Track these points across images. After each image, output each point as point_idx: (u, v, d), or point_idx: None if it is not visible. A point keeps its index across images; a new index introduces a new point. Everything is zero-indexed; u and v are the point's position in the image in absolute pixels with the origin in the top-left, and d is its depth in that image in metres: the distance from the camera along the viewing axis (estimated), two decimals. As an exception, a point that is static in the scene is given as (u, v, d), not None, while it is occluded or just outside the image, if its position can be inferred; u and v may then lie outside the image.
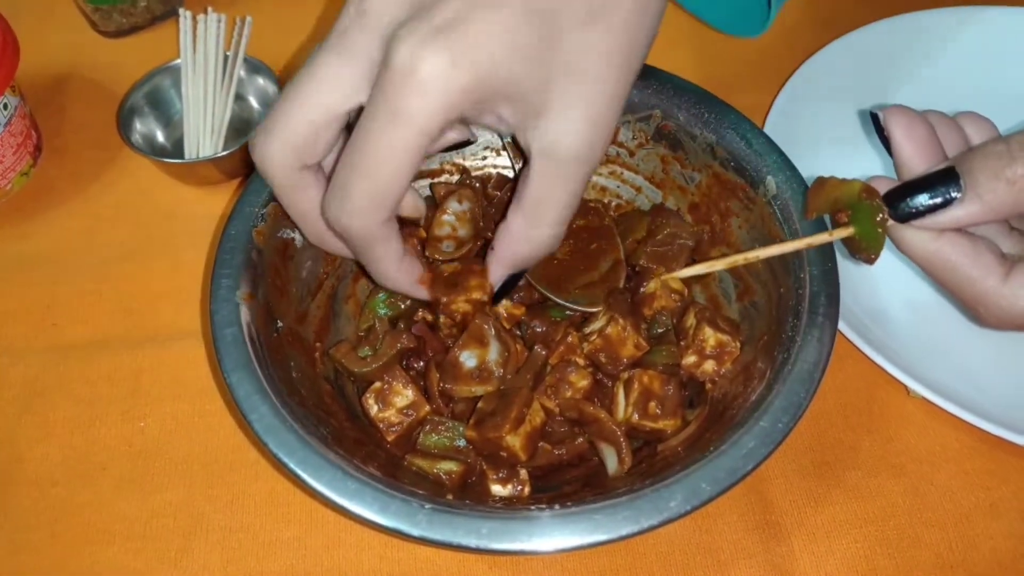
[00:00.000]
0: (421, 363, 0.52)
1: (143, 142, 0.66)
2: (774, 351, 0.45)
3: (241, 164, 0.65)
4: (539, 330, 0.51)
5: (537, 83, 0.37)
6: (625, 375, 0.48)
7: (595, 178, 0.58)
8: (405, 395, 0.48)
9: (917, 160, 0.41)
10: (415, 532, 0.38)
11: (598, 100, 0.39)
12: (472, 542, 0.38)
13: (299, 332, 0.50)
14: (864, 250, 0.42)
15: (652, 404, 0.46)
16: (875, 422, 0.54)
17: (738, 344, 0.49)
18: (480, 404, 0.47)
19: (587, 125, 0.39)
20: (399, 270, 0.45)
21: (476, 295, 0.48)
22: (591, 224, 0.54)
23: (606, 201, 0.59)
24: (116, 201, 0.66)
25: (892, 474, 0.52)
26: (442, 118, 0.37)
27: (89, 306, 0.60)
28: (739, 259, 0.47)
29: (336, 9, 0.77)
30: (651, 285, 0.51)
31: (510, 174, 0.58)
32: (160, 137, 0.69)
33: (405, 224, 0.50)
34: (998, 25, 0.72)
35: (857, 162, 0.64)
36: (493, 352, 0.48)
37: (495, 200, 0.56)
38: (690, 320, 0.50)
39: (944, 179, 0.39)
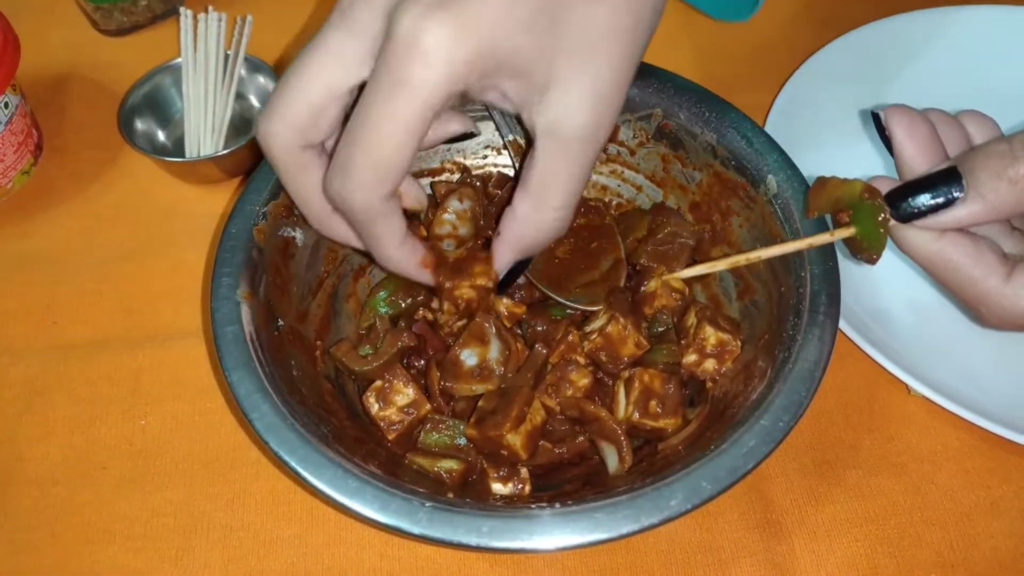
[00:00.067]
0: (422, 362, 0.52)
1: (144, 141, 0.66)
2: (775, 350, 0.45)
3: (242, 163, 0.65)
4: (540, 329, 0.51)
5: (541, 58, 0.37)
6: (626, 374, 0.48)
7: (596, 177, 0.58)
8: (406, 394, 0.48)
9: (919, 160, 0.41)
10: (416, 530, 0.38)
11: (603, 77, 0.38)
12: (473, 540, 0.38)
13: (300, 331, 0.50)
14: (866, 250, 0.42)
15: (653, 403, 0.46)
16: (876, 421, 0.54)
17: (739, 343, 0.49)
18: (481, 403, 0.47)
19: (592, 103, 0.38)
20: (402, 250, 0.44)
21: (481, 281, 0.47)
22: (592, 223, 0.54)
23: (607, 200, 0.59)
24: (117, 200, 0.67)
25: (893, 473, 0.52)
26: (445, 90, 0.36)
27: (89, 305, 0.60)
28: (740, 259, 0.47)
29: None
30: (652, 284, 0.51)
31: (511, 173, 0.58)
32: (161, 136, 0.69)
33: (407, 218, 0.50)
34: (999, 24, 0.72)
35: (858, 161, 0.64)
36: (494, 351, 0.48)
37: (496, 199, 0.56)
38: (691, 319, 0.50)
39: (946, 179, 0.39)
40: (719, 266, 0.49)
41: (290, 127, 0.40)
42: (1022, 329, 0.41)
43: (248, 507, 0.51)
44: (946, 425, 0.53)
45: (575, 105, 0.38)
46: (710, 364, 0.49)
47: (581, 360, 0.49)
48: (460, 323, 0.51)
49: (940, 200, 0.39)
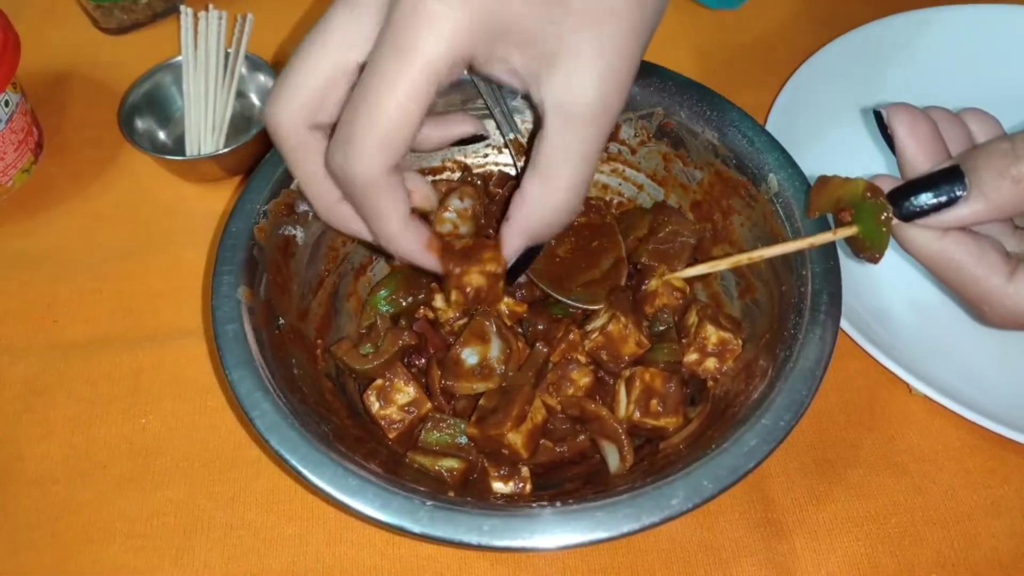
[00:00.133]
0: (423, 360, 0.52)
1: (144, 139, 0.66)
2: (776, 349, 0.45)
3: (242, 161, 0.65)
4: (541, 327, 0.51)
5: (549, 26, 0.37)
6: (627, 373, 0.48)
7: (597, 176, 0.58)
8: (407, 392, 0.48)
9: (921, 158, 0.41)
10: (417, 529, 0.38)
11: (612, 51, 0.38)
12: (473, 539, 0.37)
13: (300, 329, 0.50)
14: (868, 249, 0.42)
15: (654, 402, 0.46)
16: (877, 420, 0.54)
17: (740, 342, 0.49)
18: (482, 401, 0.47)
19: (601, 77, 0.38)
20: (406, 230, 0.42)
21: (490, 267, 0.45)
22: (593, 222, 0.54)
23: (608, 199, 0.59)
24: (117, 198, 0.66)
25: (894, 472, 0.52)
26: (451, 56, 0.36)
27: (90, 304, 0.60)
28: (742, 259, 0.47)
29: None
30: (653, 283, 0.51)
31: (512, 172, 0.58)
32: (161, 134, 0.69)
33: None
34: (999, 24, 0.72)
35: (859, 160, 0.64)
36: (495, 349, 0.48)
37: (496, 198, 0.56)
38: (692, 318, 0.50)
39: (949, 177, 0.39)
40: (720, 265, 0.48)
41: (297, 106, 0.40)
42: None
43: (249, 506, 0.51)
44: (947, 424, 0.53)
45: (583, 79, 0.38)
46: (711, 363, 0.49)
47: (582, 359, 0.49)
48: (461, 322, 0.51)
49: (943, 199, 0.39)
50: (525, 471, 0.46)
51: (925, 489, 0.51)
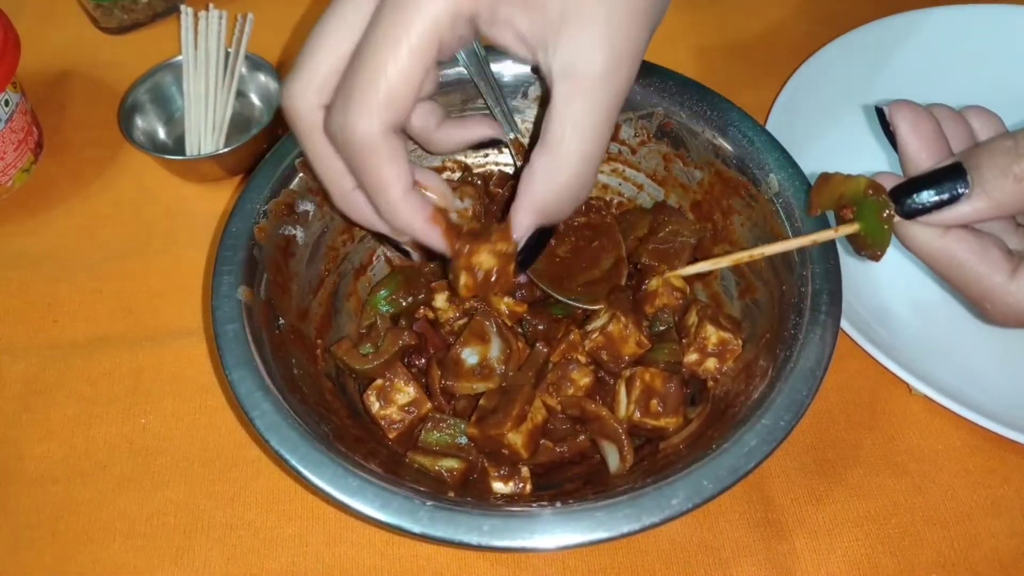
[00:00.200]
0: (423, 360, 0.52)
1: (144, 139, 0.66)
2: (776, 349, 0.45)
3: (242, 161, 0.65)
4: (541, 327, 0.51)
5: None
6: (627, 373, 0.48)
7: (597, 176, 0.58)
8: (407, 392, 0.48)
9: (923, 155, 0.41)
10: (416, 529, 0.38)
11: (622, 16, 0.37)
12: (473, 539, 0.37)
13: (301, 329, 0.50)
14: (870, 247, 0.42)
15: (654, 402, 0.46)
16: (877, 420, 0.54)
17: (740, 342, 0.49)
18: (482, 401, 0.47)
19: (610, 42, 0.37)
20: (408, 199, 0.40)
21: (501, 246, 0.43)
22: (593, 222, 0.54)
23: (608, 199, 0.59)
24: (117, 198, 0.66)
25: (894, 472, 0.52)
26: (452, 11, 0.36)
27: (90, 304, 0.60)
28: (743, 256, 0.47)
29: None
30: (653, 283, 0.51)
31: (512, 172, 0.58)
32: (161, 134, 0.69)
33: None
34: (999, 23, 0.72)
35: (859, 160, 0.64)
36: (495, 349, 0.48)
37: (496, 197, 0.56)
38: (692, 318, 0.50)
39: (951, 175, 0.39)
40: (721, 263, 0.48)
41: (312, 90, 0.40)
42: None
43: (248, 505, 0.51)
44: (947, 425, 0.53)
45: (591, 43, 0.37)
46: (711, 363, 0.49)
47: (582, 359, 0.49)
48: (461, 322, 0.51)
49: (945, 196, 0.39)
50: (525, 471, 0.46)
51: (925, 489, 0.51)
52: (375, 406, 0.48)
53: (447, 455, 0.46)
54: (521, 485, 0.46)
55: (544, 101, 0.47)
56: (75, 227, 0.65)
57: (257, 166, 0.50)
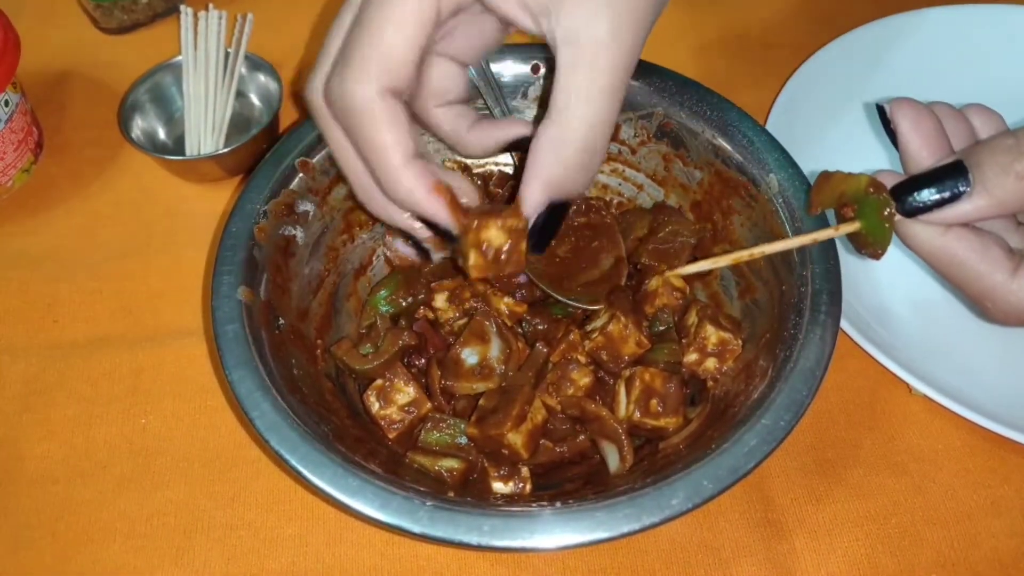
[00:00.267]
0: (422, 360, 0.52)
1: (144, 139, 0.66)
2: (776, 349, 0.45)
3: (242, 161, 0.65)
4: (541, 327, 0.51)
5: None
6: (627, 373, 0.48)
7: (597, 176, 0.58)
8: (406, 392, 0.48)
9: (924, 153, 0.41)
10: (416, 529, 0.38)
11: None
12: (473, 539, 0.37)
13: (300, 329, 0.50)
14: (871, 245, 0.42)
15: (654, 402, 0.46)
16: (877, 420, 0.54)
17: (740, 342, 0.49)
18: (481, 401, 0.47)
19: (611, 8, 0.37)
20: (408, 167, 0.39)
21: (511, 222, 0.41)
22: (592, 222, 0.54)
23: (608, 199, 0.59)
24: (117, 198, 0.66)
25: (894, 472, 0.52)
26: None
27: (90, 304, 0.60)
28: (743, 255, 0.47)
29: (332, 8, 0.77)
30: (653, 283, 0.51)
31: (512, 172, 0.58)
32: (161, 134, 0.69)
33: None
34: (999, 23, 0.72)
35: (859, 160, 0.64)
36: (495, 349, 0.48)
37: (496, 198, 0.56)
38: (692, 318, 0.50)
39: (952, 173, 0.39)
40: (721, 262, 0.48)
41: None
42: None
43: (249, 506, 0.51)
44: (947, 424, 0.53)
45: (593, 9, 0.37)
46: (711, 363, 0.49)
47: (582, 359, 0.49)
48: (461, 322, 0.51)
49: (946, 194, 0.39)
50: (525, 471, 0.46)
51: (925, 489, 0.51)
52: (375, 406, 0.48)
53: (447, 455, 0.46)
54: (521, 485, 0.46)
55: (544, 101, 0.47)
56: (75, 227, 0.65)
57: (257, 166, 0.50)
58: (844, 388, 0.55)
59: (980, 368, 0.55)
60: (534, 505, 0.39)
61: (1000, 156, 0.38)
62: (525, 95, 0.55)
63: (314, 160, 0.51)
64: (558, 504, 0.39)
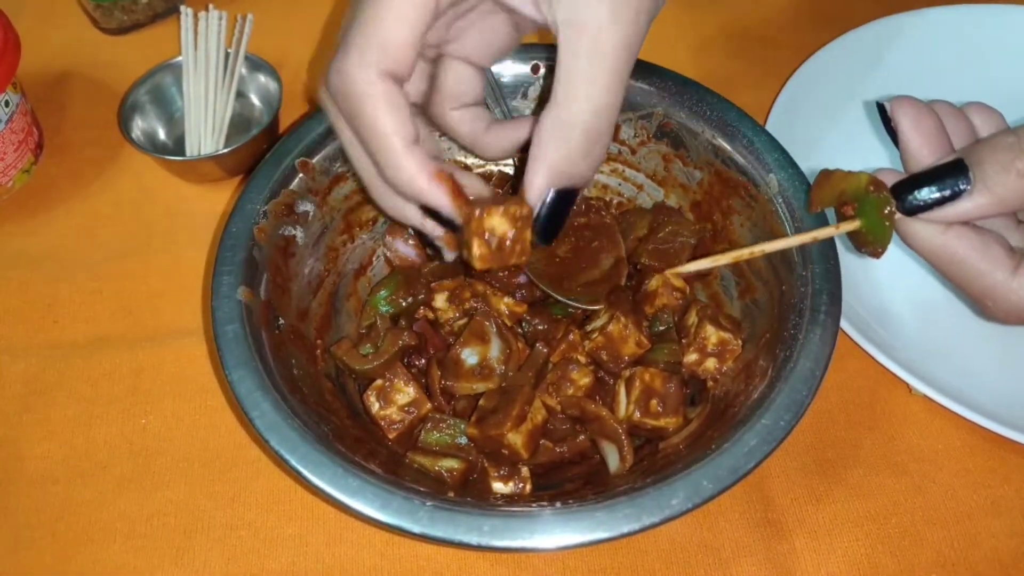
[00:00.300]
0: (422, 360, 0.52)
1: (144, 139, 0.66)
2: (776, 349, 0.45)
3: (242, 161, 0.65)
4: (541, 328, 0.51)
5: None
6: (627, 373, 0.48)
7: (597, 176, 0.58)
8: (406, 392, 0.48)
9: (925, 152, 0.41)
10: (416, 529, 0.38)
11: None
12: (473, 539, 0.38)
13: (300, 329, 0.50)
14: (871, 243, 0.42)
15: (654, 402, 0.46)
16: (877, 420, 0.54)
17: (740, 342, 0.49)
18: (481, 402, 0.47)
19: None
20: (408, 153, 0.38)
21: (515, 209, 0.40)
22: (592, 222, 0.54)
23: (608, 199, 0.59)
24: (117, 199, 0.66)
25: (894, 472, 0.52)
26: None
27: (90, 304, 0.60)
28: (744, 253, 0.47)
29: (337, 8, 0.77)
30: (653, 283, 0.51)
31: (512, 172, 0.58)
32: (161, 134, 0.69)
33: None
34: (1000, 22, 0.72)
35: (860, 160, 0.63)
36: (495, 349, 0.48)
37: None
38: (692, 318, 0.50)
39: (953, 171, 0.39)
40: (722, 260, 0.48)
41: None
42: None
43: (248, 506, 0.51)
44: (947, 424, 0.53)
45: None
46: (711, 363, 0.49)
47: (582, 359, 0.49)
48: (461, 322, 0.51)
49: (947, 193, 0.39)
50: (525, 471, 0.46)
51: (925, 489, 0.51)
52: (375, 406, 0.48)
53: (447, 455, 0.46)
54: (521, 485, 0.46)
55: (543, 100, 0.47)
56: (75, 227, 0.65)
57: (257, 166, 0.50)
58: (844, 388, 0.55)
59: (980, 368, 0.55)
60: (534, 505, 0.39)
61: (1001, 154, 0.38)
62: (525, 95, 0.55)
63: (314, 160, 0.51)
64: (558, 504, 0.39)
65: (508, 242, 0.41)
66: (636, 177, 0.57)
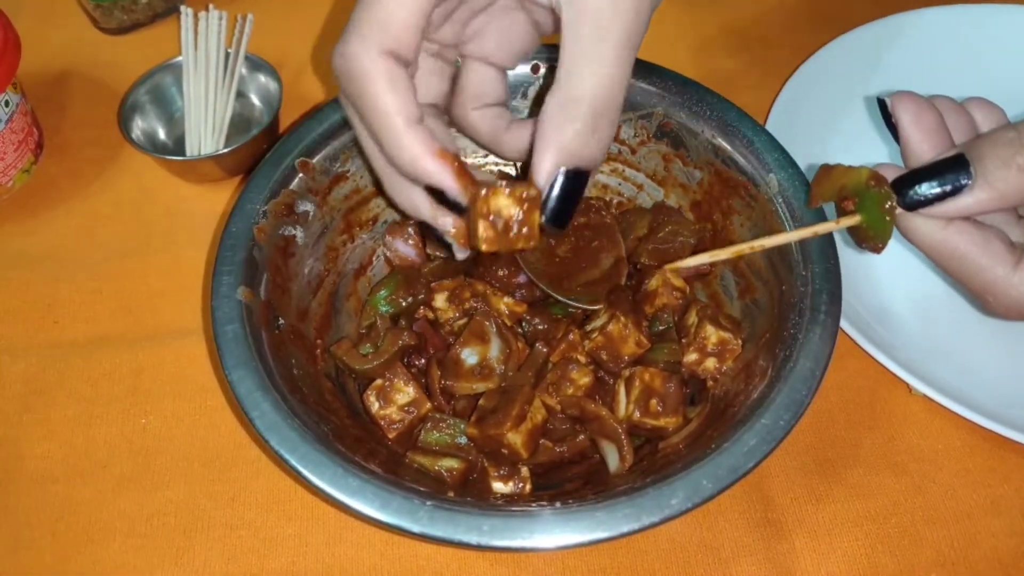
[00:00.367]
0: (422, 360, 0.52)
1: (144, 139, 0.66)
2: (776, 349, 0.45)
3: (242, 161, 0.65)
4: (540, 327, 0.51)
5: None
6: (626, 373, 0.48)
7: (596, 176, 0.58)
8: (406, 392, 0.48)
9: (925, 147, 0.41)
10: (416, 529, 0.38)
11: None
12: (473, 539, 0.38)
13: (300, 329, 0.50)
14: (871, 239, 0.41)
15: (653, 402, 0.46)
16: (877, 420, 0.54)
17: (740, 342, 0.49)
18: (481, 401, 0.47)
19: None
20: (411, 132, 0.38)
21: (521, 191, 0.38)
22: (592, 222, 0.54)
23: (607, 199, 0.59)
24: (117, 198, 0.66)
25: (893, 472, 0.52)
26: None
27: (90, 304, 0.60)
28: (744, 248, 0.46)
29: (337, 7, 0.77)
30: (653, 282, 0.51)
31: (512, 172, 0.58)
32: (161, 134, 0.69)
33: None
34: (999, 22, 0.72)
35: (859, 160, 0.63)
36: (494, 349, 0.48)
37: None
38: (692, 318, 0.50)
39: (954, 166, 0.39)
40: (722, 255, 0.48)
41: None
42: None
43: (248, 505, 0.51)
44: (947, 424, 0.53)
45: None
46: (711, 363, 0.49)
47: (582, 359, 0.49)
48: (461, 322, 0.51)
49: (948, 188, 0.39)
50: (525, 471, 0.46)
51: (925, 489, 0.51)
52: (375, 406, 0.48)
53: (447, 455, 0.46)
54: (521, 485, 0.46)
55: (540, 99, 0.47)
56: (75, 227, 0.65)
57: (257, 166, 0.50)
58: (844, 388, 0.55)
59: (980, 368, 0.55)
60: (534, 505, 0.39)
61: (1002, 149, 0.38)
62: (525, 95, 0.55)
63: (314, 160, 0.51)
64: (558, 504, 0.39)
65: (515, 224, 0.39)
66: (636, 177, 0.57)
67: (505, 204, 0.38)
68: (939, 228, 0.40)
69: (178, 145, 0.68)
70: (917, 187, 0.39)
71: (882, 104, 0.42)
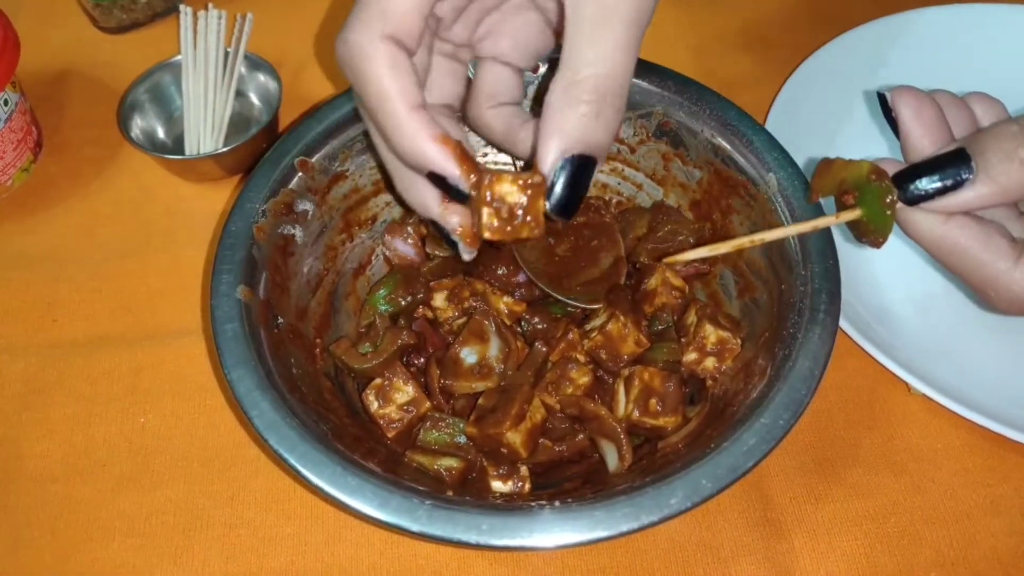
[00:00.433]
0: (422, 359, 0.52)
1: (144, 138, 0.66)
2: (775, 348, 0.45)
3: (242, 160, 0.65)
4: (540, 327, 0.51)
5: None
6: (626, 372, 0.48)
7: (596, 175, 0.58)
8: (405, 391, 0.48)
9: (926, 142, 0.40)
10: (415, 528, 0.38)
11: None
12: (472, 538, 0.38)
13: (299, 328, 0.50)
14: (871, 233, 0.41)
15: (653, 401, 0.46)
16: (876, 419, 0.54)
17: (739, 341, 0.49)
18: (481, 400, 0.47)
19: None
20: (412, 116, 0.37)
21: (526, 177, 0.37)
22: (592, 221, 0.54)
23: (607, 198, 0.59)
24: (116, 197, 0.66)
25: (893, 471, 0.52)
26: None
27: (89, 303, 0.60)
28: (744, 241, 0.46)
29: (336, 6, 0.77)
30: (652, 281, 0.51)
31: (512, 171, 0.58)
32: (161, 133, 0.69)
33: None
34: (999, 22, 0.72)
35: (860, 158, 0.64)
36: (494, 348, 0.48)
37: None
38: (691, 317, 0.50)
39: (955, 161, 0.38)
40: (721, 248, 0.47)
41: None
42: None
43: (248, 505, 0.51)
44: (946, 424, 0.53)
45: None
46: (710, 362, 0.49)
47: (581, 358, 0.49)
48: (460, 321, 0.51)
49: (948, 182, 0.38)
50: (524, 470, 0.46)
51: (924, 488, 0.51)
52: (374, 405, 0.48)
53: (446, 454, 0.46)
54: (520, 484, 0.46)
55: (539, 97, 0.47)
56: (74, 227, 0.65)
57: (256, 166, 0.50)
58: (843, 387, 0.55)
59: (980, 367, 0.55)
60: (533, 504, 0.39)
61: (1004, 143, 0.38)
62: (525, 94, 0.55)
63: (313, 159, 0.51)
64: (557, 503, 0.39)
65: (519, 212, 0.38)
66: (635, 176, 0.57)
67: (509, 191, 0.37)
68: (939, 223, 0.40)
69: (177, 144, 0.68)
70: (918, 181, 0.39)
71: (882, 98, 0.42)
